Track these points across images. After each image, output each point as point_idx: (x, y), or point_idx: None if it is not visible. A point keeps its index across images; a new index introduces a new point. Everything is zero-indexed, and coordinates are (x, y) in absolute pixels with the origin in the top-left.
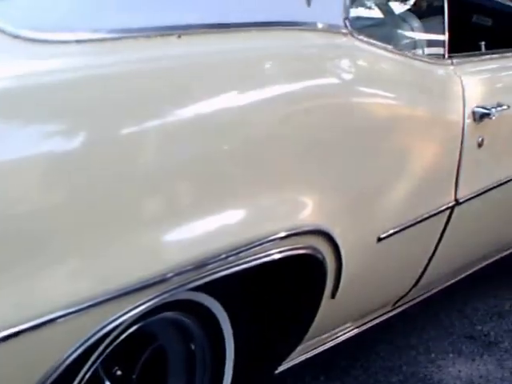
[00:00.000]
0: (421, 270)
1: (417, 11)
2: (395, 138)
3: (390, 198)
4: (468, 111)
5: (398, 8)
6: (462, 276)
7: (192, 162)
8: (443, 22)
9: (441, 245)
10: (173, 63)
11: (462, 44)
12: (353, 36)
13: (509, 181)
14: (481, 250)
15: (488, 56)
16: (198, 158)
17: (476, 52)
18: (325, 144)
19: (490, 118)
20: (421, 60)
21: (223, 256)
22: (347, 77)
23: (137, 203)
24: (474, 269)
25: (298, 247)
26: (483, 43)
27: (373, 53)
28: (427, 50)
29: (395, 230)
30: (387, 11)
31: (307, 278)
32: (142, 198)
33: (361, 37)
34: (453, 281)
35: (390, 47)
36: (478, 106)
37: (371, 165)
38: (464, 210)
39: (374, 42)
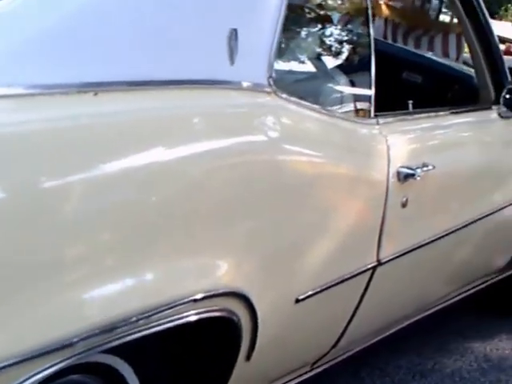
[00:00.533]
0: (341, 331)
1: (345, 67)
2: (317, 197)
3: (309, 258)
4: (392, 171)
5: (325, 65)
6: (385, 335)
7: (105, 222)
8: (370, 80)
9: (362, 305)
10: (88, 121)
11: (392, 101)
12: (276, 95)
13: (432, 241)
14: (403, 309)
15: (415, 115)
16: (112, 218)
17: (402, 111)
18: (243, 203)
19: (415, 179)
20: (346, 119)
21: (134, 319)
22: (269, 135)
23: (49, 264)
24: (397, 328)
25: (213, 309)
26: (411, 102)
27: (296, 112)
28: (353, 109)
29: (314, 291)
30: (314, 68)
31: (222, 339)
32: (54, 258)
33: (284, 95)
34: (375, 340)
35: (314, 106)
36: (402, 166)
37: (291, 224)
38: (386, 270)
39: (298, 100)
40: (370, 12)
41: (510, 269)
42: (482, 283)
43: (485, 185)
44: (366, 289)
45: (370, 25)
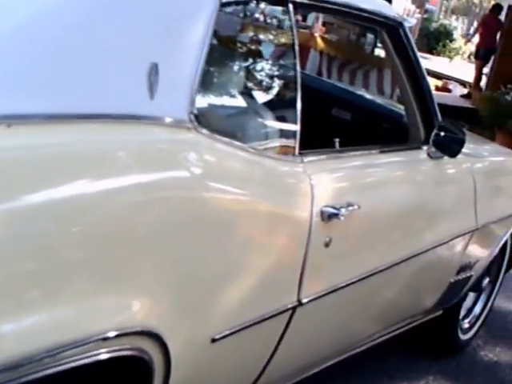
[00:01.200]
0: (259, 371)
1: (270, 103)
2: (236, 235)
3: (227, 297)
4: (316, 210)
5: (251, 100)
6: (308, 374)
7: (19, 255)
8: (296, 117)
9: (281, 345)
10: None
11: (320, 138)
12: (197, 131)
13: (355, 282)
14: (326, 350)
15: (341, 154)
16: (25, 252)
17: (328, 149)
18: (160, 240)
19: (339, 218)
20: (269, 157)
21: (40, 356)
22: (190, 171)
23: None
24: (321, 367)
25: (124, 348)
26: (337, 140)
27: (217, 148)
28: (278, 146)
29: (231, 330)
30: (239, 104)
31: (134, 379)
32: None
33: (206, 132)
34: (297, 379)
35: (236, 143)
36: (326, 205)
37: (209, 263)
38: (307, 310)
39: (219, 137)
40: (296, 47)
41: (437, 310)
42: (410, 324)
43: (412, 225)
44: (285, 329)
45: (297, 60)
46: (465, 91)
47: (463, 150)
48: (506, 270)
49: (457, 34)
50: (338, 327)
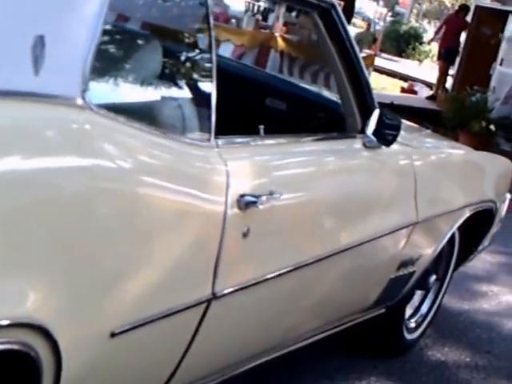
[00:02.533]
0: (170, 371)
1: (180, 86)
2: (138, 225)
3: (128, 289)
4: (232, 198)
5: (159, 81)
6: (234, 373)
7: None
8: (210, 101)
9: (195, 343)
10: None
11: (249, 126)
12: (92, 111)
13: (279, 275)
14: (248, 348)
15: (263, 141)
16: None
17: (249, 136)
18: (48, 230)
19: (258, 207)
20: (177, 140)
21: None
22: (81, 156)
23: None
24: (249, 366)
25: (5, 341)
26: (262, 127)
27: (115, 130)
28: (189, 130)
29: (133, 325)
30: (143, 85)
31: (20, 375)
32: None
33: (102, 111)
34: (221, 379)
35: (137, 125)
36: (243, 193)
37: (106, 254)
38: (224, 305)
39: (118, 118)
40: (212, 30)
41: (378, 307)
42: (350, 321)
43: (344, 217)
44: (199, 324)
45: (213, 44)
46: (431, 93)
47: (405, 141)
48: (455, 268)
49: (427, 37)
50: (261, 324)
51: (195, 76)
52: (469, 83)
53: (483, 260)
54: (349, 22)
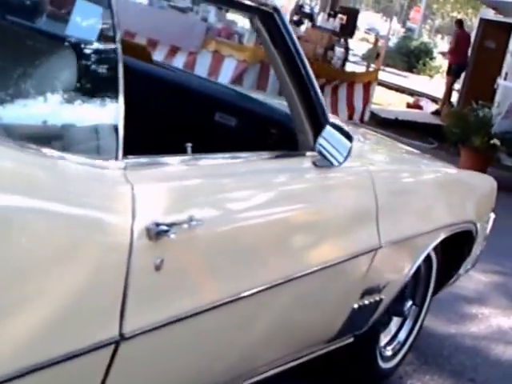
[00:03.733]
0: None
1: (77, 101)
2: (22, 258)
3: (12, 332)
4: (139, 226)
5: (49, 97)
6: None
7: None
8: (116, 116)
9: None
10: None
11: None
12: None
13: (205, 311)
14: None
15: (187, 161)
16: None
17: (166, 155)
18: None
19: (172, 236)
20: (73, 162)
21: None
22: None
23: None
24: None
25: None
26: (190, 145)
27: None
28: (87, 149)
29: (19, 373)
30: (29, 98)
31: None
32: None
33: None
34: None
35: (15, 145)
36: (154, 221)
37: None
38: (134, 345)
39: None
40: (118, 43)
41: (344, 337)
42: (312, 353)
43: (286, 244)
44: (109, 367)
45: (119, 55)
46: (436, 108)
47: (367, 158)
48: (435, 292)
49: (437, 53)
50: (190, 363)
51: (98, 90)
52: (474, 98)
53: (476, 280)
54: (351, 35)
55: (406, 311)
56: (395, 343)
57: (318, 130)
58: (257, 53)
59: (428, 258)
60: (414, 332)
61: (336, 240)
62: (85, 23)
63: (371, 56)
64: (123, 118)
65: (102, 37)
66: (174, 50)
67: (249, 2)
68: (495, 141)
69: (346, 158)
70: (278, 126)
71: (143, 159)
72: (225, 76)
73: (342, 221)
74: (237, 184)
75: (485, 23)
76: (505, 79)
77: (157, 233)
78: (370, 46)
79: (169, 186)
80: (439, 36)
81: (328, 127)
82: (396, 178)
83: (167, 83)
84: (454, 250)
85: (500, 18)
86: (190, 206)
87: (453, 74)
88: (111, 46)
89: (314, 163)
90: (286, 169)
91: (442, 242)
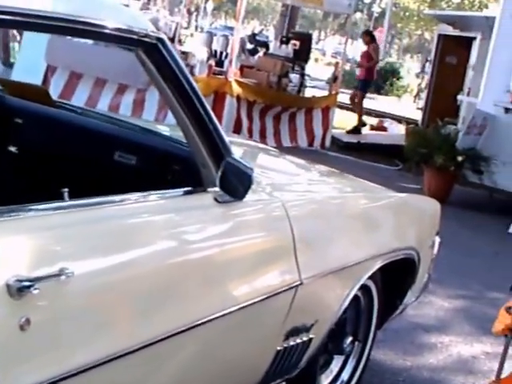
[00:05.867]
0: None
1: None
2: None
3: None
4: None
5: None
6: None
7: None
8: None
9: None
10: None
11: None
12: None
13: (78, 373)
14: None
15: (54, 206)
16: None
17: (30, 204)
18: None
19: (38, 291)
20: None
21: None
22: None
23: None
24: None
25: None
26: (66, 190)
27: None
28: None
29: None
30: None
31: None
32: None
33: None
34: None
35: None
36: (15, 276)
37: None
38: None
39: None
40: None
41: (272, 381)
42: None
43: (186, 289)
44: None
45: None
46: (402, 128)
47: (279, 188)
48: (380, 325)
49: (404, 72)
50: None
51: None
52: (438, 115)
53: (437, 306)
54: (306, 60)
55: (347, 348)
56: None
57: (218, 163)
58: (210, 83)
59: (366, 289)
60: (359, 370)
61: (247, 279)
62: None
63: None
64: None
65: None
66: (122, 88)
67: (130, 35)
68: (459, 158)
69: (246, 191)
70: (181, 161)
71: (5, 209)
72: None
73: (251, 258)
74: (121, 228)
75: (444, 39)
76: (468, 95)
77: (18, 289)
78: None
79: (35, 236)
80: (408, 55)
81: (227, 160)
82: (316, 206)
83: (64, 125)
84: (396, 278)
85: (458, 32)
86: (59, 257)
87: (360, 88)
88: None
89: (216, 199)
90: (184, 207)
91: (383, 271)
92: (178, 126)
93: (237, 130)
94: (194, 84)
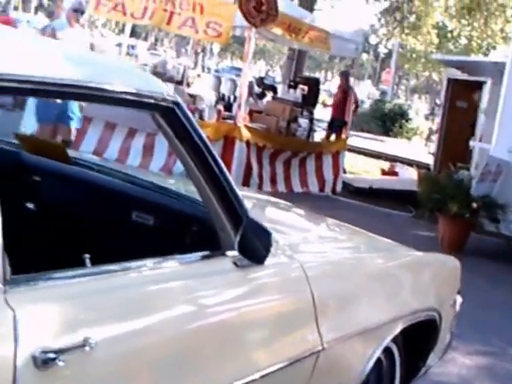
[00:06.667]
0: None
1: None
2: None
3: None
4: (23, 355)
5: None
6: None
7: None
8: None
9: None
10: None
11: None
12: None
13: None
14: None
15: (78, 273)
16: None
17: (54, 270)
18: None
19: (63, 364)
20: None
21: None
22: None
23: None
24: None
25: None
26: (88, 256)
27: None
28: None
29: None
30: None
31: None
32: None
33: None
34: None
35: None
36: (40, 348)
37: None
38: None
39: None
40: None
41: None
42: None
43: (208, 357)
44: None
45: None
46: (413, 173)
47: (298, 250)
48: None
49: (413, 114)
50: None
51: None
52: (450, 160)
53: (460, 364)
54: (314, 105)
55: None
56: None
57: (236, 226)
58: (219, 128)
59: (388, 351)
60: None
61: (268, 346)
62: None
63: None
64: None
65: None
66: (132, 132)
67: (148, 100)
68: (474, 205)
69: (265, 256)
70: (198, 222)
71: (28, 277)
72: None
73: (272, 324)
74: (140, 295)
75: (453, 83)
76: (480, 140)
77: (44, 361)
78: None
79: (59, 306)
80: (416, 96)
81: (246, 223)
82: (336, 268)
83: (81, 184)
84: (418, 339)
85: (468, 76)
86: (82, 327)
87: (335, 129)
88: None
89: (235, 263)
90: (203, 273)
91: (404, 333)
92: (195, 187)
93: (247, 175)
94: (210, 146)
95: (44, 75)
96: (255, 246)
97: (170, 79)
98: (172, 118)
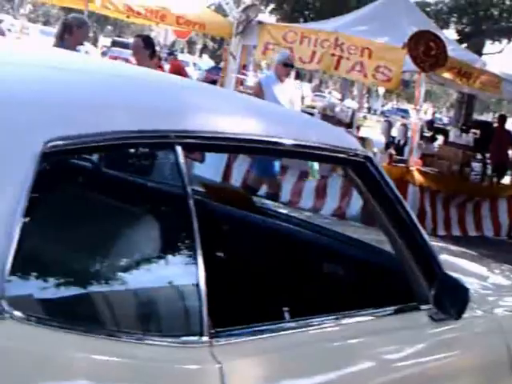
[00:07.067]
0: None
1: (144, 275)
2: None
3: None
4: None
5: (110, 276)
6: None
7: None
8: (197, 286)
9: None
10: None
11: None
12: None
13: None
14: None
15: (284, 329)
16: None
17: (256, 324)
18: None
19: None
20: (150, 344)
21: None
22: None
23: None
24: None
25: None
26: (286, 309)
27: (46, 342)
28: (166, 328)
29: None
30: (88, 283)
31: None
32: None
33: (29, 320)
34: None
35: (81, 331)
36: None
37: None
38: None
39: (53, 326)
40: (190, 198)
41: None
42: None
43: None
44: None
45: (192, 212)
46: None
47: (491, 304)
48: None
49: None
50: None
51: (169, 257)
52: None
53: None
54: (487, 150)
55: None
56: None
57: (431, 280)
58: (392, 172)
59: None
60: None
61: None
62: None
63: None
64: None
65: None
66: (303, 175)
67: (341, 155)
68: None
69: (463, 310)
70: (390, 274)
71: (232, 331)
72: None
73: (471, 379)
74: (343, 349)
75: None
76: None
77: None
78: None
79: (264, 360)
80: None
81: (441, 277)
82: None
83: (264, 233)
84: None
85: None
86: (286, 381)
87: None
88: (182, 208)
89: (432, 317)
90: (404, 327)
91: None
92: (388, 240)
93: (420, 219)
94: (403, 199)
95: (247, 132)
96: (451, 300)
97: (338, 122)
98: (364, 173)
